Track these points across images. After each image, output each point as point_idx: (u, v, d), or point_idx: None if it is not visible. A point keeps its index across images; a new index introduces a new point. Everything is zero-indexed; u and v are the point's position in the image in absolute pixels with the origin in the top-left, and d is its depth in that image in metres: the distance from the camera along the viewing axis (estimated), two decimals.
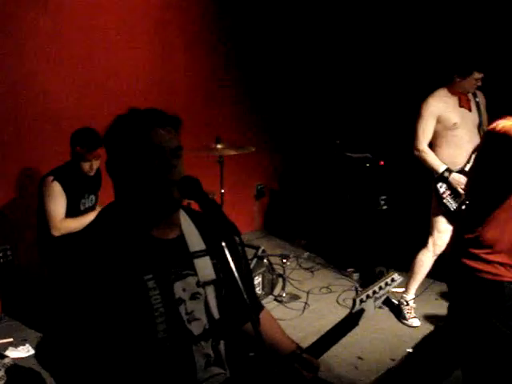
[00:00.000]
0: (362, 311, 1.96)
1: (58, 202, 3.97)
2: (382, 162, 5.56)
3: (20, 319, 4.40)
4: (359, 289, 5.05)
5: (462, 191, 4.26)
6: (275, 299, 4.89)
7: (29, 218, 4.34)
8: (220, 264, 1.90)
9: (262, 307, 2.10)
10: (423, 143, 4.30)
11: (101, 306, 1.65)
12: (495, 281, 2.74)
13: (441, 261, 4.51)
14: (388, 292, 2.06)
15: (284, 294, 4.88)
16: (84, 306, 1.66)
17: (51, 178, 3.97)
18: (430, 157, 4.30)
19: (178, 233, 1.85)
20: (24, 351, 3.99)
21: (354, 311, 1.94)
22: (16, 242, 4.59)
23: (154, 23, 5.35)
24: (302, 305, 4.81)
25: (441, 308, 4.73)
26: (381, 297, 2.04)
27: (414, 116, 4.34)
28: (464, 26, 5.38)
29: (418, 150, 4.31)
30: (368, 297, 1.98)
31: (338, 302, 4.86)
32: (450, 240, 3.25)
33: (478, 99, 4.39)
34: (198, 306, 1.83)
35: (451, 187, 4.28)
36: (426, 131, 4.29)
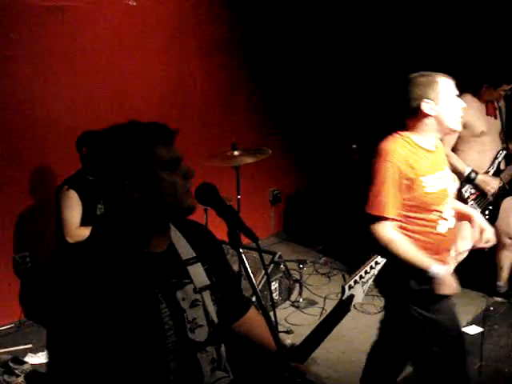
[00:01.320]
0: (351, 297, 1.98)
1: (73, 211, 4.00)
2: None
3: (40, 324, 4.44)
4: (346, 275, 5.02)
5: (490, 190, 4.24)
6: (292, 305, 4.89)
7: (47, 225, 4.38)
8: (211, 269, 1.91)
9: (250, 305, 2.11)
10: (448, 147, 4.22)
11: (109, 323, 1.63)
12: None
13: (458, 265, 4.48)
14: (374, 275, 2.08)
15: (301, 300, 4.88)
16: (92, 322, 1.63)
17: (66, 187, 4.01)
18: (455, 160, 4.24)
19: (167, 243, 1.84)
20: (43, 357, 4.00)
21: (344, 298, 1.97)
22: (35, 248, 4.63)
23: (170, 31, 5.38)
24: (319, 310, 4.79)
25: (458, 313, 4.67)
26: (367, 281, 2.07)
27: None
28: (493, 36, 5.26)
29: None
30: (356, 282, 2.01)
31: (354, 306, 4.80)
32: None
33: (499, 104, 4.38)
34: (199, 312, 1.83)
35: (477, 190, 4.26)
36: (450, 136, 4.24)
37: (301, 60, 6.53)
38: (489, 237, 2.94)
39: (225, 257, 2.03)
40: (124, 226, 1.75)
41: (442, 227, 2.80)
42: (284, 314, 4.71)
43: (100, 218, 1.72)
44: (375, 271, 2.08)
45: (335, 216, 6.39)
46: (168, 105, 5.31)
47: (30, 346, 4.19)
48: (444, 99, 2.72)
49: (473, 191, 4.27)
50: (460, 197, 4.30)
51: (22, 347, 4.18)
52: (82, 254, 1.77)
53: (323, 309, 4.80)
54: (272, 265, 4.76)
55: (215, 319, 1.86)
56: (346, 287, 1.98)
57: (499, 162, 4.33)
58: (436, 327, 2.82)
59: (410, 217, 2.76)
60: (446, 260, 2.87)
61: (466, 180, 4.24)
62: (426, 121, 2.76)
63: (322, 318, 1.94)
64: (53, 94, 4.61)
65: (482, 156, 4.31)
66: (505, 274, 4.85)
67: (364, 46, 6.46)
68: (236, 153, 4.41)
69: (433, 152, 2.82)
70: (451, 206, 2.91)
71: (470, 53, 5.32)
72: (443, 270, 2.66)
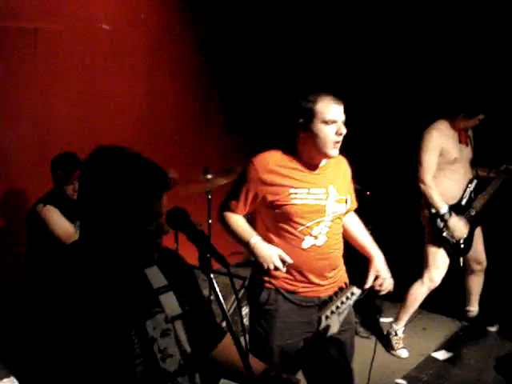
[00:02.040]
0: (327, 327, 1.97)
1: (61, 221, 3.94)
2: (368, 193, 5.59)
3: (6, 351, 4.34)
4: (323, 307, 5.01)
5: (457, 236, 4.29)
6: None
7: (13, 249, 4.30)
8: (184, 297, 1.88)
9: (225, 332, 2.08)
10: (429, 176, 4.27)
11: (77, 350, 1.60)
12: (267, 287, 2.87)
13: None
14: (350, 306, 2.08)
15: None
16: (60, 347, 1.61)
17: (41, 204, 3.96)
18: (435, 193, 4.26)
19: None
20: (8, 383, 3.93)
21: (320, 328, 1.96)
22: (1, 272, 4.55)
23: (143, 55, 5.39)
24: None
25: (428, 338, 4.74)
26: (343, 311, 2.06)
27: (401, 146, 4.37)
28: (473, 65, 5.34)
29: (424, 184, 4.27)
30: (332, 312, 2.00)
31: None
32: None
33: (469, 133, 4.45)
34: (170, 342, 1.79)
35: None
36: (431, 164, 4.27)
37: (273, 83, 6.57)
38: (382, 282, 2.96)
39: (197, 284, 1.99)
40: (96, 252, 1.72)
41: (307, 243, 2.80)
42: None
43: (75, 241, 1.68)
44: (351, 302, 2.08)
45: None
46: (140, 128, 5.30)
47: None
48: (318, 122, 2.74)
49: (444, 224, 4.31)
50: (434, 227, 4.34)
51: None
52: (55, 274, 1.74)
53: None
54: (243, 290, 4.73)
55: (187, 349, 1.83)
56: (323, 317, 1.96)
57: (471, 192, 4.39)
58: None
59: (278, 227, 2.82)
60: (310, 279, 2.84)
61: (439, 216, 4.28)
62: (305, 139, 2.80)
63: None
64: (25, 115, 4.57)
65: (454, 183, 4.36)
66: (474, 299, 4.89)
67: (337, 72, 6.54)
68: (209, 176, 4.42)
69: (317, 168, 2.85)
70: (356, 236, 3.07)
71: (449, 81, 5.40)
72: (260, 243, 2.74)
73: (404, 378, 4.14)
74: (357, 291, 2.11)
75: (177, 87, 5.75)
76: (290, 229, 2.79)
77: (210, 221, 4.57)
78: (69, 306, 1.63)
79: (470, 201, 4.39)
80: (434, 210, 4.32)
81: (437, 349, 4.55)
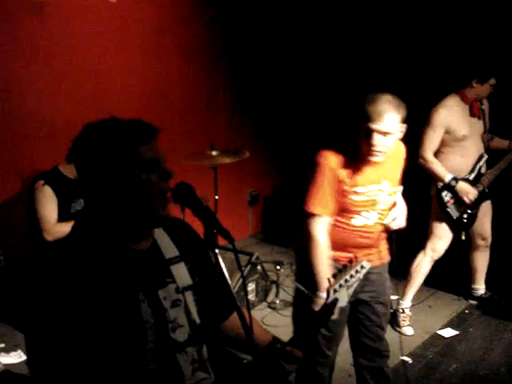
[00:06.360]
0: (336, 301, 1.98)
1: (49, 206, 3.93)
2: None
3: (12, 324, 4.38)
4: (331, 279, 5.01)
5: (467, 200, 4.27)
6: (269, 306, 4.88)
7: (20, 222, 4.32)
8: (195, 268, 1.90)
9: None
10: (429, 153, 4.26)
11: (89, 321, 1.61)
12: None
13: (435, 268, 4.53)
14: (359, 279, 2.08)
15: (277, 301, 4.87)
16: (71, 320, 1.61)
17: (42, 181, 3.93)
18: (436, 166, 4.26)
19: (151, 241, 1.83)
20: (16, 357, 3.95)
21: (328, 301, 1.96)
22: (8, 246, 4.56)
23: (150, 29, 5.35)
24: None
25: (434, 316, 4.74)
26: (352, 285, 2.06)
27: (408, 118, 4.31)
28: (479, 30, 5.27)
29: (424, 160, 4.26)
30: (341, 286, 2.00)
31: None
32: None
33: (483, 106, 4.39)
34: (180, 312, 1.82)
35: (456, 196, 4.28)
36: (434, 141, 4.25)
37: (280, 63, 6.54)
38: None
39: (208, 256, 1.99)
40: (103, 222, 1.74)
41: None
42: (260, 315, 4.71)
43: (81, 213, 1.71)
44: (360, 275, 2.07)
45: None
46: (147, 103, 5.27)
47: (2, 345, 4.13)
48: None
49: (451, 195, 4.30)
50: (439, 200, 4.33)
51: None
52: (63, 251, 1.74)
53: None
54: (249, 266, 4.74)
55: (197, 320, 1.85)
56: (331, 290, 1.96)
57: (480, 167, 4.35)
58: None
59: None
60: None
61: (445, 187, 4.27)
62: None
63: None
64: (30, 89, 4.56)
65: (464, 159, 4.33)
66: (480, 277, 4.88)
67: (341, 48, 6.48)
68: (214, 153, 4.40)
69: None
70: None
71: (458, 49, 5.33)
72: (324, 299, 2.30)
73: (409, 355, 4.15)
74: (366, 265, 2.10)
75: (184, 62, 5.71)
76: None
77: (217, 197, 4.55)
78: (77, 277, 1.63)
79: (478, 176, 4.35)
80: (440, 184, 4.30)
81: (442, 327, 4.56)
